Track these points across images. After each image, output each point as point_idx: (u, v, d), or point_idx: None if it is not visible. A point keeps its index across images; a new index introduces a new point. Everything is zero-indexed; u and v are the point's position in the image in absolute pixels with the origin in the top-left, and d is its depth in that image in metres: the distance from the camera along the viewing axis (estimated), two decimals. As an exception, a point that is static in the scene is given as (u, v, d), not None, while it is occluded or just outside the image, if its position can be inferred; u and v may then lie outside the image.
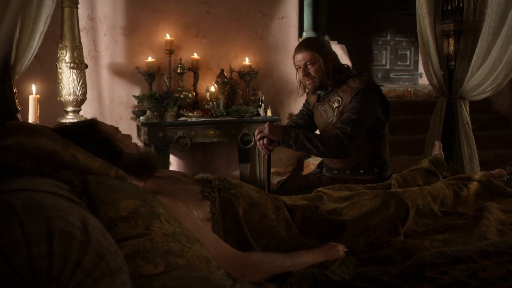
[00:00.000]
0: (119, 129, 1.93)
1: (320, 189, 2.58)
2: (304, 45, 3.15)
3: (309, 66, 3.11)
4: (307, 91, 3.30)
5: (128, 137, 1.92)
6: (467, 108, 3.77)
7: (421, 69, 8.41)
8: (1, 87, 2.10)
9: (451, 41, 3.78)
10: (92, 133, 1.80)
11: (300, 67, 3.14)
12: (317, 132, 3.29)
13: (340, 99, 3.08)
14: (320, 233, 2.12)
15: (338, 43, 6.21)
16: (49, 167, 1.55)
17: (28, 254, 1.03)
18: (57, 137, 1.64)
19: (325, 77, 3.11)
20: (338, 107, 3.07)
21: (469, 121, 3.77)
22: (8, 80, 2.12)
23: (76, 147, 1.63)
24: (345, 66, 3.24)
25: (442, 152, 3.08)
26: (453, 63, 3.80)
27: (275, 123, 3.11)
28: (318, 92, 3.23)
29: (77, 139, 1.71)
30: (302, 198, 2.44)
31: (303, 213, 2.18)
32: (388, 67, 8.41)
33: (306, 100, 3.45)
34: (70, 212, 1.17)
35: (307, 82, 3.17)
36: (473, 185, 2.63)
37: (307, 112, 3.39)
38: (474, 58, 3.62)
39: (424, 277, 1.70)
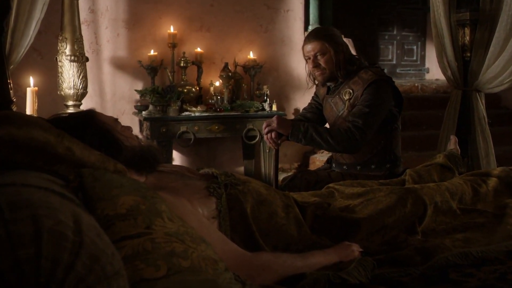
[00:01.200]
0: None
1: (331, 185, 2.45)
2: (314, 35, 3.02)
3: (319, 57, 2.98)
4: (316, 83, 3.17)
5: (128, 129, 1.80)
6: (483, 101, 3.63)
7: (428, 64, 8.29)
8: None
9: (467, 31, 3.62)
10: (90, 125, 1.68)
11: (309, 58, 3.01)
12: (327, 125, 3.16)
13: (351, 91, 2.95)
14: (332, 232, 2.00)
15: (345, 37, 6.07)
16: (42, 160, 1.42)
17: (13, 257, 0.91)
18: (51, 128, 1.51)
19: (336, 68, 2.98)
20: (349, 99, 2.94)
21: (485, 114, 3.62)
22: (2, 70, 2.00)
23: (72, 139, 1.51)
24: (357, 57, 3.11)
25: (458, 147, 2.94)
26: (468, 54, 3.65)
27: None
28: (328, 84, 3.10)
29: (73, 130, 1.58)
30: (313, 195, 2.32)
31: (314, 211, 2.06)
32: (394, 62, 8.28)
33: (315, 93, 3.32)
34: (62, 209, 1.04)
35: (316, 74, 3.04)
36: (492, 181, 2.49)
37: (316, 106, 3.26)
38: (491, 48, 3.47)
39: (448, 280, 1.58)
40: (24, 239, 0.93)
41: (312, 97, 3.34)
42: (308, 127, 2.80)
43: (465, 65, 3.66)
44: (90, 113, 1.74)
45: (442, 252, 1.76)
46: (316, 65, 3.00)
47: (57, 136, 1.47)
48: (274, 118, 2.88)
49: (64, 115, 1.76)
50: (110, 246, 1.07)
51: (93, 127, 1.67)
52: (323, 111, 3.19)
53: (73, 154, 1.47)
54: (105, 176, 1.36)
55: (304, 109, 3.33)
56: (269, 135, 2.89)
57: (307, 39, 3.03)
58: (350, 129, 2.78)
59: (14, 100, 2.34)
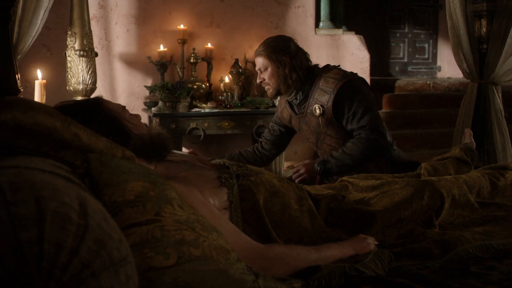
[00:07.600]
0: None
1: (344, 178, 2.39)
2: (256, 51, 3.01)
3: (263, 73, 2.96)
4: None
5: (137, 116, 1.76)
6: (500, 94, 3.54)
7: (439, 62, 8.20)
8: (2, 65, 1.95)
9: (483, 22, 3.53)
10: (97, 112, 1.63)
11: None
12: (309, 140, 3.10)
13: (320, 106, 2.85)
14: (347, 225, 1.94)
15: (356, 33, 6.01)
16: (47, 146, 1.38)
17: (14, 240, 0.86)
18: (57, 113, 1.47)
19: (281, 83, 2.92)
20: (322, 113, 2.85)
21: (501, 108, 3.53)
22: (10, 59, 1.96)
23: (79, 125, 1.46)
24: (310, 66, 2.98)
25: (473, 140, 2.86)
26: (485, 46, 3.56)
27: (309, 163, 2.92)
28: (290, 101, 3.04)
29: (80, 118, 1.54)
30: (326, 188, 2.26)
31: (328, 203, 2.00)
32: (406, 60, 8.18)
33: (273, 121, 3.25)
34: (66, 192, 0.99)
35: (265, 88, 3.03)
36: (510, 175, 2.42)
37: (276, 130, 3.21)
38: (508, 40, 3.38)
39: (470, 273, 1.51)
40: (26, 221, 0.88)
41: (272, 121, 3.27)
42: (330, 164, 2.79)
43: (481, 57, 3.58)
44: (98, 100, 1.70)
45: (462, 245, 1.69)
46: (261, 80, 2.99)
47: (64, 122, 1.42)
48: (303, 169, 2.88)
49: (71, 102, 1.71)
50: (117, 231, 1.02)
51: (100, 114, 1.63)
52: (300, 133, 3.11)
53: (80, 140, 1.42)
54: (113, 162, 1.31)
55: (263, 136, 3.26)
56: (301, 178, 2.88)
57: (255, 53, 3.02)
58: (360, 135, 2.76)
59: (21, 90, 2.30)
